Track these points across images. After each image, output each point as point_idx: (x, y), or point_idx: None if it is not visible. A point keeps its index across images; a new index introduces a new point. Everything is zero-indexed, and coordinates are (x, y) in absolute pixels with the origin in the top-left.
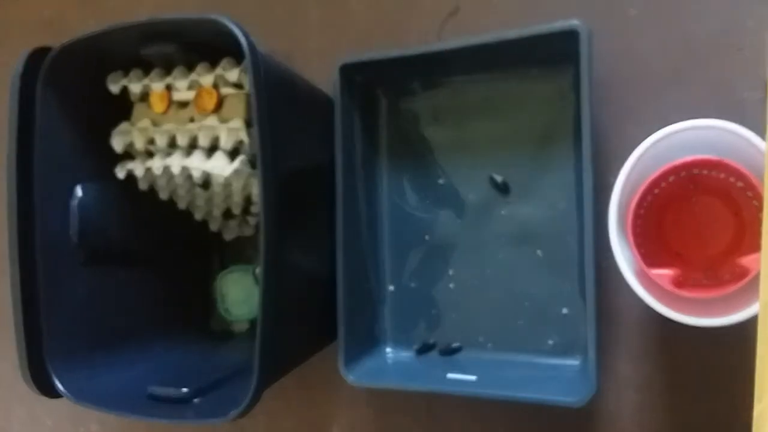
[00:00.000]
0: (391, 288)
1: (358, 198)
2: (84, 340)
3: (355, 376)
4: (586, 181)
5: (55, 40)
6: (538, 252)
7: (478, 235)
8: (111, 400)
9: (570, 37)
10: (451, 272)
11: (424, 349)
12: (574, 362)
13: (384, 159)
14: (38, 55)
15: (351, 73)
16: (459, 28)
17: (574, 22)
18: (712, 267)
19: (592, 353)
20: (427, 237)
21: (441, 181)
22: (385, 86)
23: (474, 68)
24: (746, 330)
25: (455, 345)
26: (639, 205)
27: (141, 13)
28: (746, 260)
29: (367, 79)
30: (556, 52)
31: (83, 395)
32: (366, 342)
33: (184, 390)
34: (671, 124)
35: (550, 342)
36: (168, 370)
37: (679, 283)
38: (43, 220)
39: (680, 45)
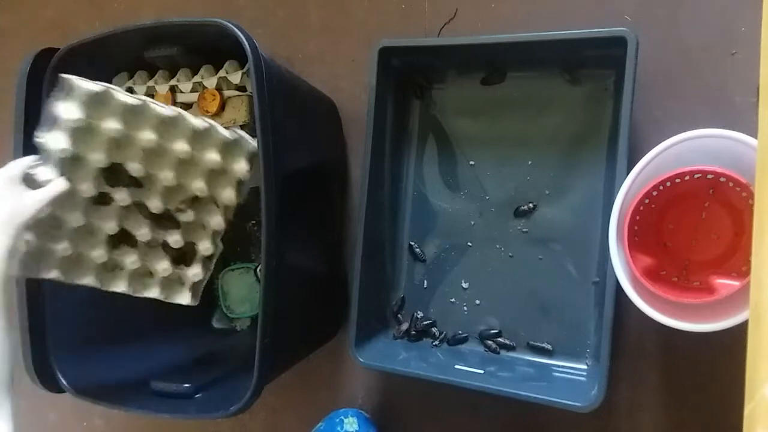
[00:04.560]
0: (406, 276)
1: (384, 183)
2: (88, 336)
3: (364, 359)
4: (619, 187)
5: (61, 41)
6: (556, 255)
7: (498, 232)
8: (114, 395)
9: (614, 43)
10: (466, 267)
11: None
12: (581, 366)
13: (413, 147)
14: (45, 56)
15: (388, 56)
16: (457, 32)
17: (622, 29)
18: (687, 269)
19: (604, 361)
20: (447, 229)
21: (467, 175)
22: (421, 74)
23: (510, 65)
24: (738, 332)
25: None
26: (655, 187)
27: (145, 16)
28: (719, 282)
29: (404, 65)
30: (594, 58)
31: (87, 390)
32: (376, 327)
33: (186, 385)
34: (664, 126)
35: (558, 344)
36: (171, 366)
37: (651, 272)
38: None
39: (674, 50)
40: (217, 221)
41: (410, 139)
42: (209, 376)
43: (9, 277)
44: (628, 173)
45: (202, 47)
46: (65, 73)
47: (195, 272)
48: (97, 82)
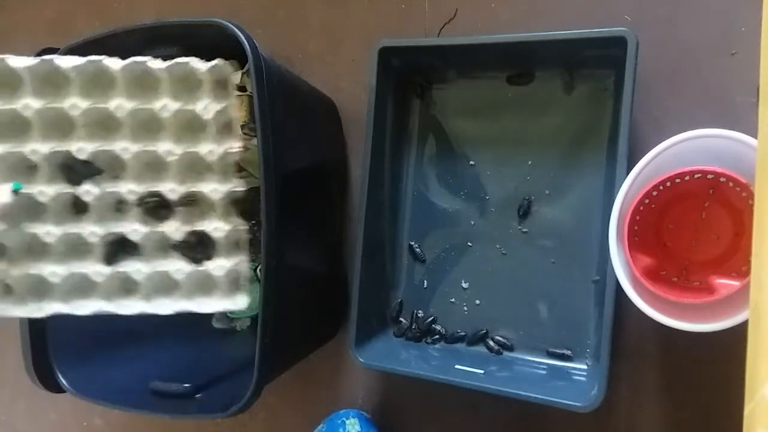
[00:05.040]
0: (405, 276)
1: (384, 183)
2: (87, 336)
3: (365, 359)
4: (619, 187)
5: (61, 41)
6: (556, 255)
7: (498, 232)
8: (114, 395)
9: (614, 43)
10: (466, 267)
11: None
12: (581, 366)
13: (413, 147)
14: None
15: (388, 56)
16: (457, 32)
17: (622, 29)
18: (687, 269)
19: (604, 361)
20: (447, 229)
21: (467, 175)
22: (421, 74)
23: (511, 65)
24: (738, 332)
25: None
26: (655, 187)
27: (145, 16)
28: (719, 282)
29: (404, 64)
30: (594, 58)
31: (86, 390)
32: (376, 327)
33: (186, 386)
34: (664, 126)
35: (559, 344)
36: (170, 366)
37: (651, 272)
38: None
39: (674, 50)
40: (212, 188)
41: (410, 139)
42: (209, 376)
43: None
44: (628, 173)
45: (202, 47)
46: None
47: (218, 264)
48: None
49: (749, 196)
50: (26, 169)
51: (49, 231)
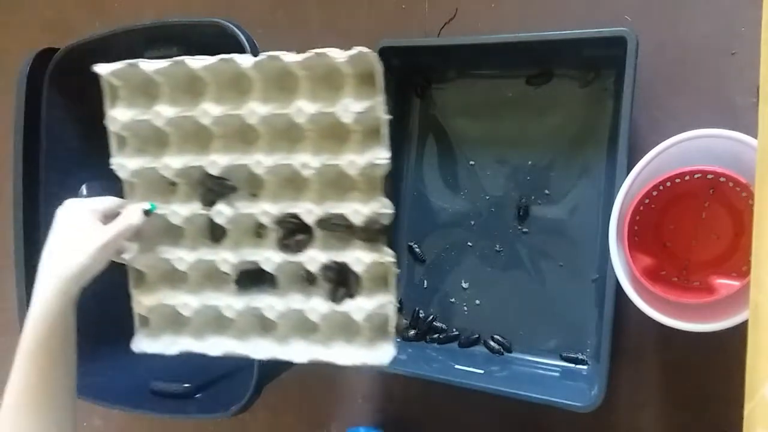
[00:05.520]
0: (406, 276)
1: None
2: (87, 337)
3: None
4: (619, 187)
5: (61, 41)
6: (556, 255)
7: (498, 232)
8: (114, 395)
9: (614, 43)
10: (466, 267)
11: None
12: (581, 366)
13: (413, 147)
14: (45, 56)
15: (389, 56)
16: (457, 32)
17: (622, 29)
18: (687, 269)
19: (604, 361)
20: (447, 229)
21: (467, 175)
22: (421, 74)
23: (510, 65)
24: (738, 332)
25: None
26: (655, 187)
27: (145, 16)
28: (719, 282)
29: (404, 64)
30: (596, 57)
31: (86, 390)
32: None
33: (186, 385)
34: (663, 126)
35: (558, 344)
36: (170, 366)
37: (651, 272)
38: (48, 219)
39: (674, 50)
40: (353, 210)
41: (410, 139)
42: (209, 376)
43: (74, 300)
44: (628, 173)
45: (202, 47)
46: (65, 72)
47: (358, 305)
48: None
49: (749, 196)
50: (167, 186)
51: (181, 257)
